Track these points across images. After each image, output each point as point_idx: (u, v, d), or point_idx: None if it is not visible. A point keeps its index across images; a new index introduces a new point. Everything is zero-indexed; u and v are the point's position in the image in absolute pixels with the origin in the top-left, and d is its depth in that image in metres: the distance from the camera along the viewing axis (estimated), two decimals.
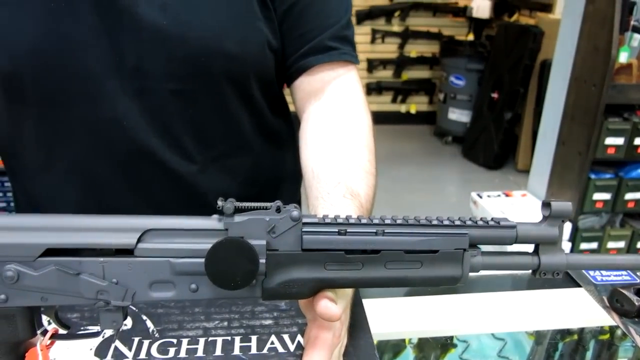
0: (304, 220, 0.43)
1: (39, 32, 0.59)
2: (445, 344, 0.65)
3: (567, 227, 2.18)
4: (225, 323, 0.59)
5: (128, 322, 0.58)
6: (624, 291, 0.69)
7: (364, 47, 4.43)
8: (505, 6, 4.21)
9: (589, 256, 0.48)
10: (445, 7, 4.51)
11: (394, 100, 4.73)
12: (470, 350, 0.64)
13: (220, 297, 0.43)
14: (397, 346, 0.65)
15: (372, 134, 0.69)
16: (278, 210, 0.42)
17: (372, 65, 4.55)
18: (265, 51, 0.67)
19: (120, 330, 0.57)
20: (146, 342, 0.56)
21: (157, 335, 0.57)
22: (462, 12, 4.46)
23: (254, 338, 0.57)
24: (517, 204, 2.29)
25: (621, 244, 2.31)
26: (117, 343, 0.55)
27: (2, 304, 0.40)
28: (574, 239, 2.25)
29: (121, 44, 0.60)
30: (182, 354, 0.54)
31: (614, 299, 0.70)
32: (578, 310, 0.71)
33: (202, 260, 0.41)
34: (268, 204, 0.42)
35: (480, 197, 2.33)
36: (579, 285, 0.75)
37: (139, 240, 0.41)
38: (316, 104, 0.70)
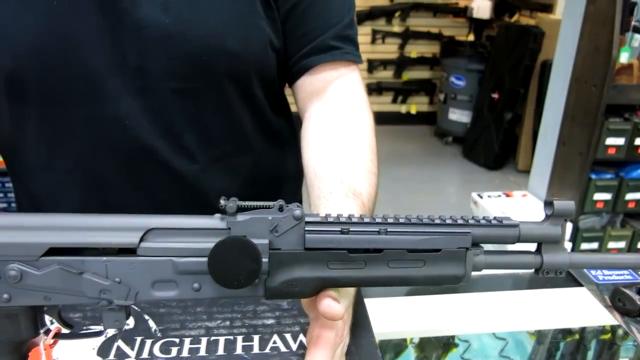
0: (307, 219, 0.43)
1: (42, 31, 0.59)
2: (447, 343, 0.65)
3: (568, 227, 2.18)
4: (228, 322, 0.59)
5: (130, 322, 0.58)
6: (626, 290, 0.69)
7: (365, 48, 4.43)
8: (506, 6, 4.21)
9: (592, 255, 0.48)
10: (445, 8, 4.51)
11: (394, 101, 4.73)
12: (472, 349, 0.64)
13: (222, 296, 0.43)
14: (399, 346, 0.65)
15: (374, 133, 0.69)
16: (281, 209, 0.42)
17: (372, 65, 4.55)
18: (268, 50, 0.67)
19: (123, 329, 0.57)
20: (148, 342, 0.56)
21: (159, 334, 0.57)
22: (462, 12, 4.47)
23: (256, 337, 0.57)
24: (518, 204, 2.29)
25: (622, 244, 2.31)
26: (120, 342, 0.55)
27: (5, 303, 0.40)
28: (575, 239, 2.25)
29: (123, 42, 0.61)
30: (185, 353, 0.54)
31: (616, 298, 0.70)
32: (580, 309, 0.71)
33: (205, 259, 0.41)
34: (270, 203, 0.42)
35: (481, 197, 2.33)
36: (580, 285, 0.75)
37: (141, 240, 0.41)
38: (318, 104, 0.70)
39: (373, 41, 4.51)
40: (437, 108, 4.53)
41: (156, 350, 0.54)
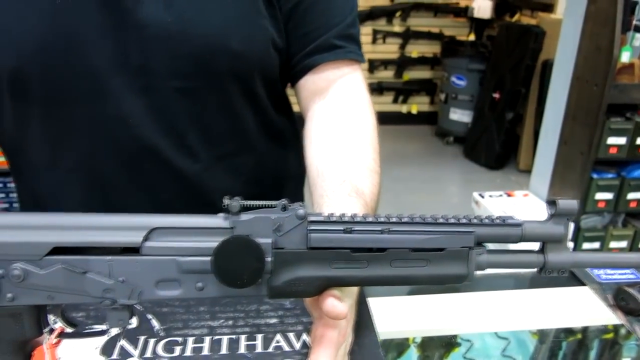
0: (310, 218, 0.43)
1: (45, 30, 0.59)
2: (449, 343, 0.65)
3: (570, 226, 2.18)
4: (231, 322, 0.59)
5: (133, 321, 0.58)
6: (629, 290, 0.69)
7: (365, 48, 4.38)
8: (507, 6, 4.21)
9: (595, 254, 0.48)
10: (446, 8, 4.51)
11: (395, 101, 4.73)
12: (474, 349, 0.64)
13: (226, 295, 0.43)
14: (401, 345, 0.65)
15: (377, 132, 0.69)
16: (284, 208, 0.42)
17: (373, 65, 4.55)
18: (270, 49, 0.67)
19: (126, 329, 0.57)
20: (152, 341, 0.56)
21: (162, 334, 0.57)
22: (463, 12, 4.46)
23: (259, 337, 0.57)
24: (519, 204, 2.29)
25: (623, 244, 2.31)
26: (123, 342, 0.55)
27: (9, 302, 0.40)
28: (577, 238, 2.25)
29: (126, 41, 0.61)
30: (188, 352, 0.54)
31: (619, 298, 0.70)
32: (583, 308, 0.71)
33: (209, 258, 0.41)
34: (274, 202, 0.42)
35: (482, 197, 2.33)
36: (583, 284, 0.75)
37: (145, 239, 0.41)
38: (321, 103, 0.70)
39: (374, 41, 4.51)
40: (438, 108, 4.53)
41: (159, 350, 0.55)
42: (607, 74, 1.95)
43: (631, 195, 2.20)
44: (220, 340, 0.56)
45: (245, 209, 0.42)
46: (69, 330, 0.45)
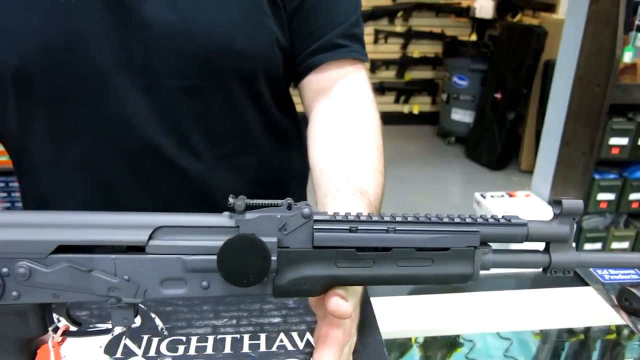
0: (315, 217, 0.43)
1: (49, 29, 0.59)
2: (452, 343, 0.65)
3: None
4: (234, 321, 0.59)
5: (137, 320, 0.58)
6: (633, 290, 0.69)
7: (367, 48, 4.34)
8: (509, 6, 4.21)
9: (601, 254, 0.48)
10: (448, 8, 4.51)
11: (396, 101, 4.73)
12: (476, 349, 0.64)
13: (231, 294, 0.43)
14: (404, 345, 0.65)
15: (381, 131, 0.69)
16: (289, 207, 0.42)
17: (374, 65, 4.55)
18: (274, 49, 0.67)
19: (130, 328, 0.57)
20: (155, 340, 0.56)
21: (166, 333, 0.57)
22: (465, 12, 4.46)
23: (262, 336, 0.57)
24: (521, 204, 2.29)
25: (625, 245, 2.31)
26: (127, 341, 0.55)
27: (15, 300, 0.40)
28: (578, 239, 2.25)
29: (130, 40, 0.61)
30: (192, 351, 0.54)
31: (623, 298, 0.69)
32: (586, 309, 0.71)
33: (214, 257, 0.41)
34: (279, 201, 0.42)
35: (484, 197, 2.33)
36: (587, 284, 0.75)
37: (150, 238, 0.41)
38: (324, 102, 0.70)
39: (375, 41, 4.51)
40: (440, 108, 4.52)
41: (163, 349, 0.55)
42: (609, 74, 1.95)
43: (633, 196, 2.20)
44: (223, 339, 0.56)
45: (250, 207, 0.42)
46: (73, 328, 0.45)
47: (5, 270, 0.40)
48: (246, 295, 0.52)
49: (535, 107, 3.60)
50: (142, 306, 0.60)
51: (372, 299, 0.64)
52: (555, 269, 0.46)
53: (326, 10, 0.68)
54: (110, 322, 0.43)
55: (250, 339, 0.56)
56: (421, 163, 3.93)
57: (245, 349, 0.55)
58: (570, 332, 0.68)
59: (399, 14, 4.47)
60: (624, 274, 0.77)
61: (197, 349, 0.55)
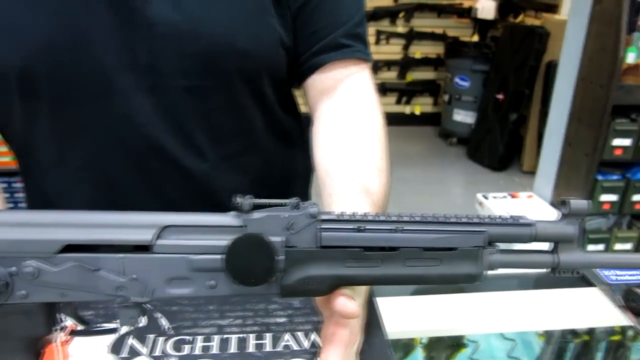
0: (322, 217, 0.43)
1: (53, 29, 0.59)
2: (456, 343, 0.65)
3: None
4: (240, 321, 0.59)
5: (143, 320, 0.58)
6: (639, 291, 0.68)
7: None
8: (511, 7, 4.20)
9: (608, 255, 0.48)
10: (449, 8, 4.51)
11: (398, 102, 4.73)
12: (480, 350, 0.64)
13: (238, 294, 0.43)
14: (408, 346, 0.65)
15: (385, 131, 0.69)
16: (296, 207, 0.42)
17: (376, 66, 4.54)
18: (278, 48, 0.67)
19: (136, 327, 0.57)
20: (161, 340, 0.56)
21: (171, 332, 0.57)
22: (466, 13, 4.46)
23: (268, 336, 0.57)
24: (523, 205, 2.29)
25: (628, 246, 2.30)
26: (132, 340, 0.55)
27: (22, 299, 0.40)
28: None
29: (134, 40, 0.61)
30: (197, 351, 0.54)
31: (629, 299, 0.69)
32: (592, 309, 0.70)
33: (221, 256, 0.41)
34: (286, 201, 0.42)
35: (486, 198, 2.33)
36: (592, 285, 0.75)
37: (157, 237, 0.41)
38: (328, 102, 0.70)
39: (377, 42, 4.51)
40: (442, 109, 4.52)
41: (168, 348, 0.54)
42: (612, 74, 1.95)
43: (636, 197, 2.19)
44: (229, 339, 0.56)
45: (256, 207, 0.42)
46: (80, 327, 0.45)
47: (13, 269, 0.40)
48: (252, 295, 0.52)
49: (538, 108, 3.60)
50: (148, 306, 0.60)
51: (377, 299, 0.64)
52: (564, 269, 0.46)
53: (330, 9, 0.68)
54: (115, 321, 0.43)
55: (256, 338, 0.56)
56: (423, 164, 3.93)
57: (251, 348, 0.55)
58: (575, 333, 0.67)
59: (401, 14, 4.47)
60: (630, 275, 0.77)
61: (203, 348, 0.55)
